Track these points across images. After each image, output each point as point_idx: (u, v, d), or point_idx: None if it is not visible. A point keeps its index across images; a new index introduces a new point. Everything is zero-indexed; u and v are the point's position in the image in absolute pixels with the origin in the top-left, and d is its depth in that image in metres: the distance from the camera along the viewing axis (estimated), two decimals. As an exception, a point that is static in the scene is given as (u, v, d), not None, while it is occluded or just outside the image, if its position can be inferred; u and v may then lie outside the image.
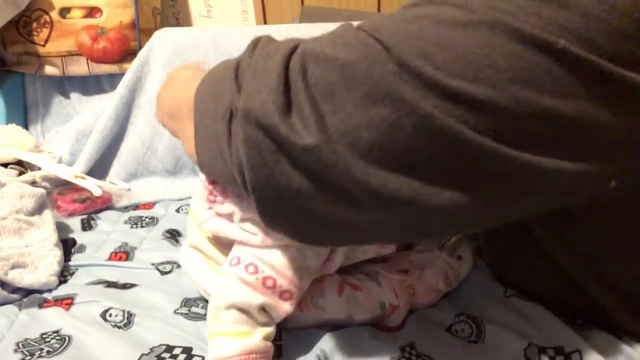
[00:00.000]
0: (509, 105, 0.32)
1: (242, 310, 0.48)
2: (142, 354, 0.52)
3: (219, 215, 0.52)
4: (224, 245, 0.55)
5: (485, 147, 0.33)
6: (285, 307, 0.50)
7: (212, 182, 0.51)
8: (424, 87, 0.33)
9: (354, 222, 0.39)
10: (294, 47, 0.38)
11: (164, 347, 0.53)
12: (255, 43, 0.43)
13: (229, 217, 0.52)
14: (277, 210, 0.40)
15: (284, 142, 0.36)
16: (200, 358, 0.52)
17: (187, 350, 0.53)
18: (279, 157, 0.36)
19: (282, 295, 0.50)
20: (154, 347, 0.53)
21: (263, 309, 0.49)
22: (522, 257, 0.55)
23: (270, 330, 0.49)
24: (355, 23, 0.39)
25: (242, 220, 0.50)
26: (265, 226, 0.43)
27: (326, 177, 0.36)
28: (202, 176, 0.52)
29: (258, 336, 0.48)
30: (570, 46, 0.32)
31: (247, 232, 0.50)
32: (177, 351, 0.53)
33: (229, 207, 0.51)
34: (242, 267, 0.50)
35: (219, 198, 0.51)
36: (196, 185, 0.62)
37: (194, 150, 0.46)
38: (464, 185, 0.35)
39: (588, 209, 0.44)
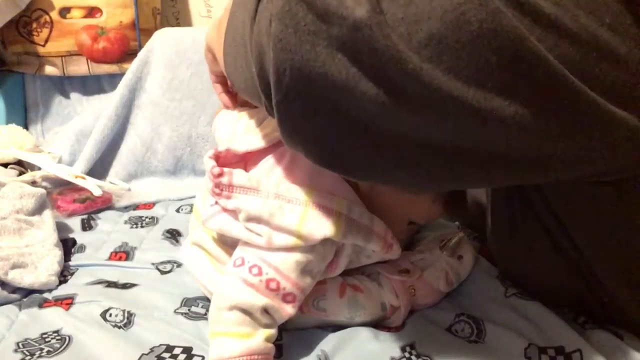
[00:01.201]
0: (572, 29, 0.30)
1: (245, 311, 0.48)
2: (142, 354, 0.52)
3: (225, 210, 0.52)
4: (228, 244, 0.55)
5: (545, 62, 0.30)
6: (288, 310, 0.50)
7: (219, 174, 0.50)
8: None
9: (387, 131, 0.34)
10: None
11: (164, 347, 0.53)
12: None
13: (234, 214, 0.51)
14: (302, 108, 0.35)
15: (331, 17, 0.31)
16: (201, 358, 0.52)
17: (187, 350, 0.53)
18: (319, 37, 0.32)
19: (285, 298, 0.50)
20: (154, 347, 0.53)
21: (266, 310, 0.49)
22: (530, 246, 0.54)
23: (272, 331, 0.49)
24: None
25: (248, 219, 0.50)
26: (284, 140, 0.39)
27: (370, 64, 0.32)
28: (209, 167, 0.52)
29: (260, 337, 0.48)
30: None
31: (252, 232, 0.50)
32: (177, 351, 0.52)
33: (234, 202, 0.50)
34: (246, 268, 0.50)
35: (225, 192, 0.51)
36: (196, 185, 0.62)
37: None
38: (518, 100, 0.31)
39: (613, 190, 0.42)
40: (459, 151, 0.34)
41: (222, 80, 0.61)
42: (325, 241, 0.50)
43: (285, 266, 0.49)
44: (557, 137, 0.33)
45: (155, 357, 0.52)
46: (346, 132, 0.35)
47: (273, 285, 0.49)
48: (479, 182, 0.44)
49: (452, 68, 0.31)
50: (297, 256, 0.50)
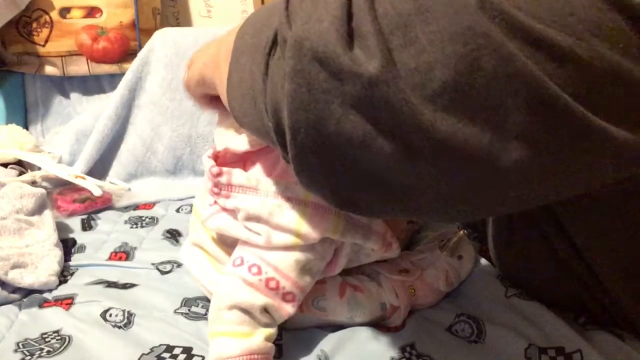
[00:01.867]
0: (589, 59, 0.30)
1: (245, 310, 0.48)
2: (142, 354, 0.52)
3: (224, 210, 0.52)
4: (228, 244, 0.55)
5: (562, 102, 0.30)
6: (288, 309, 0.50)
7: (218, 174, 0.51)
8: (508, 26, 0.29)
9: (405, 182, 0.35)
10: None
11: (164, 347, 0.53)
12: None
13: (234, 213, 0.51)
14: (318, 163, 0.35)
15: (344, 75, 0.31)
16: (201, 358, 0.52)
17: (187, 350, 0.53)
18: (333, 95, 0.32)
19: (285, 297, 0.50)
20: (154, 347, 0.53)
21: (265, 310, 0.49)
22: (529, 251, 0.54)
23: (271, 331, 0.49)
24: None
25: (247, 218, 0.50)
26: (301, 184, 0.39)
27: (386, 120, 0.32)
28: (208, 167, 0.52)
29: (259, 337, 0.48)
30: None
31: (251, 231, 0.50)
32: (177, 351, 0.52)
33: (233, 202, 0.50)
34: (245, 267, 0.50)
35: (224, 191, 0.51)
36: (197, 185, 0.62)
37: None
38: (534, 142, 0.31)
39: (620, 194, 0.42)
40: (476, 195, 0.34)
41: (206, 101, 0.57)
42: (325, 240, 0.50)
43: (285, 265, 0.49)
44: (572, 171, 0.33)
45: (155, 357, 0.52)
46: (363, 185, 0.36)
47: (272, 284, 0.49)
48: (495, 214, 0.47)
49: (467, 114, 0.31)
50: (297, 255, 0.50)
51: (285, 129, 0.35)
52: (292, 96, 0.33)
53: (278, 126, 0.35)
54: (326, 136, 0.33)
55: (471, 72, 0.30)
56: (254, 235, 0.50)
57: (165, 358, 0.51)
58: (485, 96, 0.30)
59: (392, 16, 0.31)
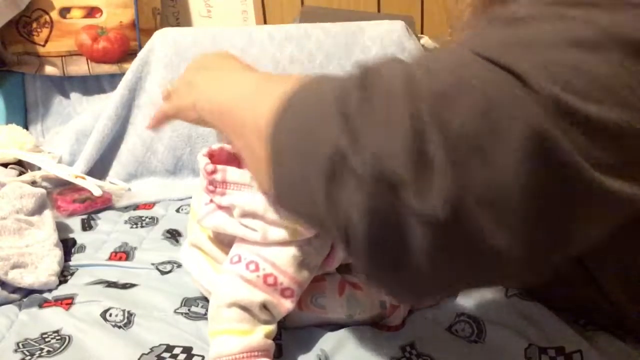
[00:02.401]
0: (619, 124, 0.30)
1: (244, 308, 0.48)
2: (142, 354, 0.52)
3: (220, 208, 0.52)
4: (225, 243, 0.55)
5: (587, 179, 0.30)
6: (287, 305, 0.50)
7: (212, 172, 0.51)
8: (577, 129, 0.29)
9: (444, 274, 0.34)
10: (413, 87, 0.31)
11: (164, 346, 0.53)
12: (362, 75, 0.34)
13: (229, 210, 0.51)
14: (385, 275, 0.34)
15: (421, 214, 0.30)
16: (201, 358, 0.52)
17: (187, 350, 0.53)
18: (407, 230, 0.30)
19: (284, 292, 0.50)
20: (154, 347, 0.53)
21: (264, 306, 0.49)
22: None
23: (271, 328, 0.49)
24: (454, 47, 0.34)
25: (242, 215, 0.50)
26: (366, 282, 0.39)
27: (464, 247, 0.31)
28: (202, 164, 0.52)
29: (259, 334, 0.48)
30: None
31: (247, 227, 0.50)
32: (177, 351, 0.52)
33: (229, 199, 0.50)
34: (242, 264, 0.50)
35: (219, 189, 0.51)
36: (196, 185, 0.62)
37: (258, 168, 0.40)
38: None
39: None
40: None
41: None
42: (320, 235, 0.50)
43: (282, 261, 0.50)
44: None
45: (155, 357, 0.52)
46: (429, 284, 0.35)
47: (270, 280, 0.49)
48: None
49: (539, 234, 0.30)
50: (293, 251, 0.50)
51: (359, 249, 0.33)
52: (366, 230, 0.31)
53: (347, 237, 0.33)
54: (396, 259, 0.32)
55: (545, 194, 0.29)
56: (250, 231, 0.50)
57: (165, 358, 0.51)
58: (558, 215, 0.30)
59: (462, 137, 0.29)
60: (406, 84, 0.31)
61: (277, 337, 0.52)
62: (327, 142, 0.32)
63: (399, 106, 0.30)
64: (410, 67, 0.33)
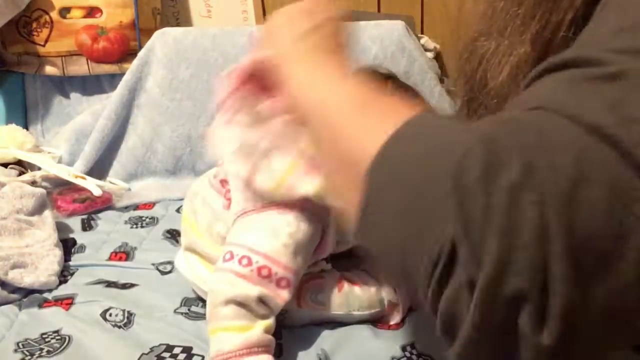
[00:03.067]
0: None
1: (240, 304, 0.48)
2: (142, 354, 0.52)
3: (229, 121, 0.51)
4: (219, 243, 0.55)
5: None
6: (284, 295, 0.50)
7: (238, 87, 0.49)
8: None
9: None
10: (535, 183, 0.28)
11: (164, 346, 0.53)
12: (484, 152, 0.29)
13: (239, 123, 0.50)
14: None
15: (530, 338, 0.27)
16: (200, 357, 0.52)
17: (187, 350, 0.53)
18: (514, 345, 0.28)
19: (279, 283, 0.50)
20: (154, 347, 0.53)
21: (261, 300, 0.49)
22: None
23: (270, 322, 0.50)
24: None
25: (240, 148, 0.50)
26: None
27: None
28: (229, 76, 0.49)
29: (258, 329, 0.48)
30: None
31: (238, 163, 0.50)
32: (177, 350, 0.52)
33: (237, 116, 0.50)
34: (235, 261, 0.50)
35: (233, 105, 0.50)
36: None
37: (338, 184, 0.38)
38: None
39: None
40: None
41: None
42: (311, 219, 0.50)
43: (274, 251, 0.50)
44: None
45: (155, 356, 0.52)
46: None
47: (265, 272, 0.49)
48: None
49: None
50: (284, 240, 0.50)
51: (458, 347, 0.31)
52: (470, 345, 0.29)
53: (445, 325, 0.31)
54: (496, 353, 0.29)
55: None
56: (240, 167, 0.50)
57: (165, 358, 0.51)
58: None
59: (586, 243, 0.27)
60: (527, 178, 0.28)
61: (278, 337, 0.52)
62: (437, 224, 0.29)
63: (523, 211, 0.27)
64: (531, 151, 0.29)
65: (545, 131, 0.30)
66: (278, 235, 0.50)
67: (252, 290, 0.49)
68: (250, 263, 0.49)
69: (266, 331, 0.49)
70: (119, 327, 0.56)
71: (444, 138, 0.32)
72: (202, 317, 0.58)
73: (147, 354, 0.52)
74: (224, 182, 0.57)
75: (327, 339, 0.53)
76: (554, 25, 0.42)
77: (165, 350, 0.52)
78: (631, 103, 0.29)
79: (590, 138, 0.28)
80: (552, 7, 0.42)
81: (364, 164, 0.34)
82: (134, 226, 0.87)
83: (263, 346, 0.48)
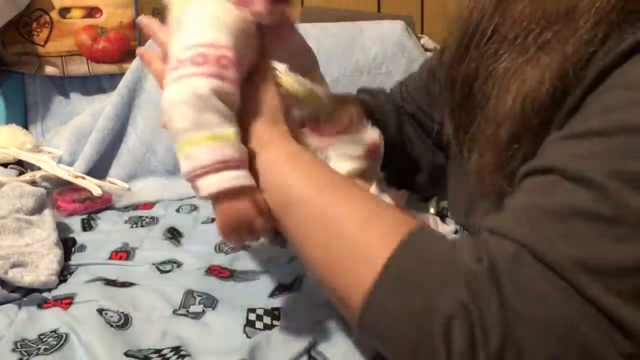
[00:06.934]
0: None
1: (195, 105, 0.45)
2: (141, 353, 0.52)
3: None
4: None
5: None
6: (229, 75, 0.46)
7: None
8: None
9: None
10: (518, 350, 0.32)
11: (164, 346, 0.53)
12: (474, 311, 0.33)
13: None
14: None
15: None
16: (201, 358, 0.52)
17: (187, 350, 0.53)
18: None
19: (220, 62, 0.46)
20: (153, 347, 0.53)
21: (216, 94, 0.45)
22: None
23: (235, 130, 0.46)
24: None
25: None
26: None
27: None
28: None
29: (228, 140, 0.44)
30: None
31: None
32: (176, 350, 0.52)
33: None
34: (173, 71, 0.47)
35: None
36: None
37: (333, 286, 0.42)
38: None
39: None
40: None
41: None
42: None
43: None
44: None
45: (154, 356, 0.51)
46: None
47: (199, 60, 0.46)
48: None
49: None
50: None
51: None
52: None
53: None
54: None
55: None
56: None
57: (165, 357, 0.51)
58: None
59: None
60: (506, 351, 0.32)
61: (268, 328, 0.51)
62: None
63: None
64: (510, 313, 0.33)
65: (525, 295, 0.33)
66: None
67: (200, 83, 0.45)
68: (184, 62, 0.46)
69: (235, 139, 0.45)
70: (118, 326, 0.56)
71: (436, 279, 0.36)
72: (202, 317, 0.58)
73: (145, 353, 0.52)
74: None
75: (317, 332, 0.53)
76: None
77: (163, 350, 0.52)
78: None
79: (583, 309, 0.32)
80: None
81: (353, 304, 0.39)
82: (134, 226, 0.87)
83: (237, 160, 0.44)
